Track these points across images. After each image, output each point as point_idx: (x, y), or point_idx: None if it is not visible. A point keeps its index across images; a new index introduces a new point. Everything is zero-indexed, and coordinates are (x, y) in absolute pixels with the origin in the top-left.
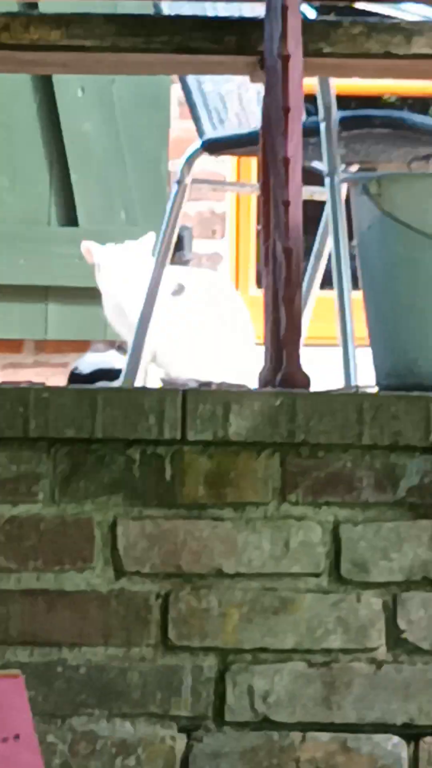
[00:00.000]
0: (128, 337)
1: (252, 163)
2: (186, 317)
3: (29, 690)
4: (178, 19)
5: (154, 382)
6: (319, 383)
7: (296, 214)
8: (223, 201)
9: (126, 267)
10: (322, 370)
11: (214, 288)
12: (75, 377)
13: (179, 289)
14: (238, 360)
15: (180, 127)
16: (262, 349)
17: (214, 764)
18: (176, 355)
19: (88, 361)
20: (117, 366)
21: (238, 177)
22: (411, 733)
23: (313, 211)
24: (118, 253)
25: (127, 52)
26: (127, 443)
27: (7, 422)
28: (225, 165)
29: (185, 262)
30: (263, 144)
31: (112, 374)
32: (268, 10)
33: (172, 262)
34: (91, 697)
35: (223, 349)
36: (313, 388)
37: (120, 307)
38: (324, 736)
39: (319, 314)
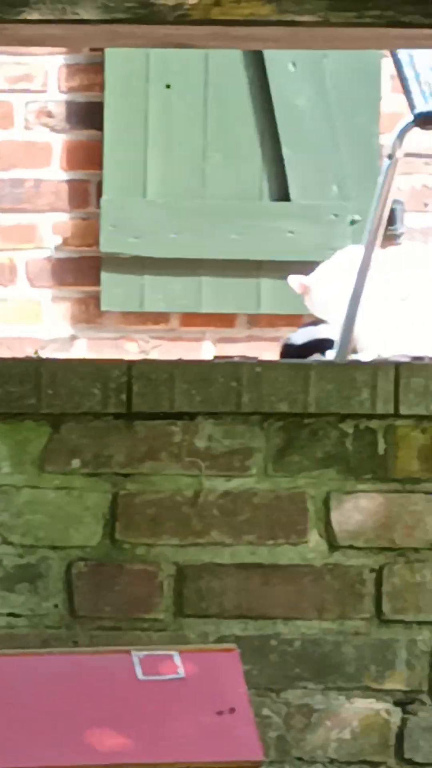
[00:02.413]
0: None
1: None
2: (384, 294)
3: (244, 664)
4: None
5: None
6: None
7: None
8: None
9: (337, 285)
10: None
11: (415, 263)
12: (288, 348)
13: None
14: None
15: (391, 101)
16: None
17: (430, 738)
18: (377, 333)
19: (302, 332)
20: (330, 337)
21: None
22: None
23: None
24: (328, 274)
25: (339, 27)
26: (340, 417)
27: (221, 397)
28: None
29: (397, 237)
30: None
31: (326, 344)
32: None
33: (384, 237)
34: (306, 670)
35: (427, 324)
36: None
37: (328, 311)
38: None
39: None
